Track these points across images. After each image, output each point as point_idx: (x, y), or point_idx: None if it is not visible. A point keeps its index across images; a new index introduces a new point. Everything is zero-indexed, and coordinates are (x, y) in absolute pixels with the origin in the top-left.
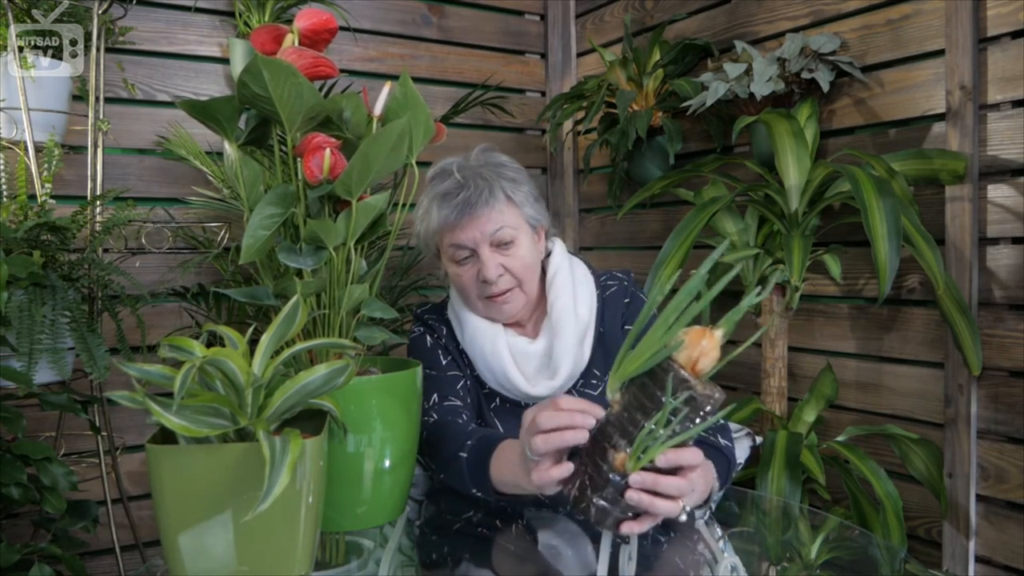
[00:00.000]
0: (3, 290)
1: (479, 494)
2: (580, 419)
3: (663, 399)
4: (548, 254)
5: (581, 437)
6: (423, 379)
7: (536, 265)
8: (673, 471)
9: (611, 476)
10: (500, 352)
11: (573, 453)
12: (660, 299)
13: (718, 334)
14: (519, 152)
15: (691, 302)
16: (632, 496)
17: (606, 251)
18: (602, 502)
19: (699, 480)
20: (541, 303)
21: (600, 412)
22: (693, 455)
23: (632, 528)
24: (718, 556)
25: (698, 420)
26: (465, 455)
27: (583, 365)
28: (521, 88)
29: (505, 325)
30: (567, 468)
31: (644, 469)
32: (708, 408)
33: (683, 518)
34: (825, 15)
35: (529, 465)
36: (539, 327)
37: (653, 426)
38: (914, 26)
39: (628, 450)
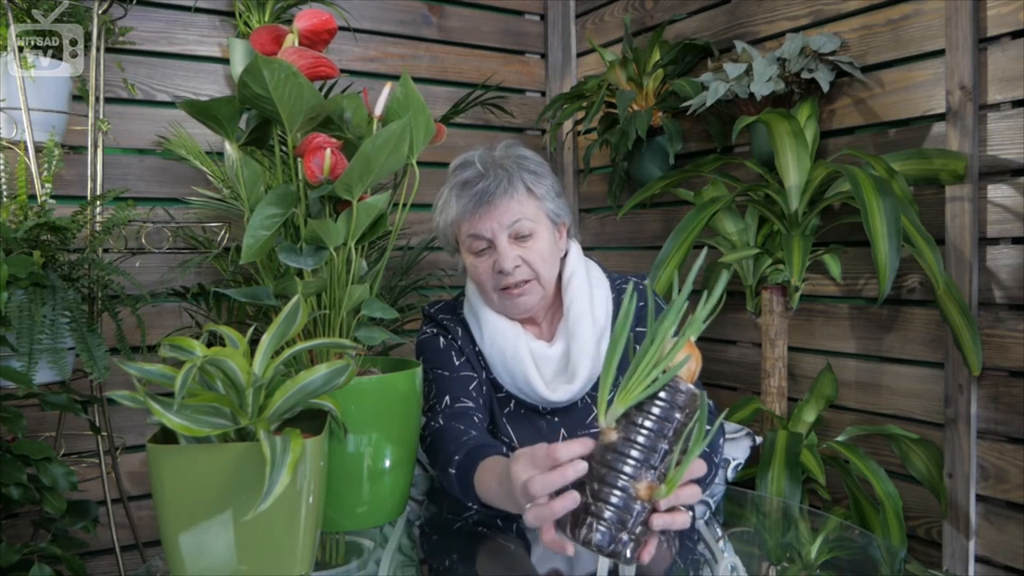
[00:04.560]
0: (3, 290)
1: (474, 507)
2: (572, 473)
3: (676, 416)
4: (564, 255)
5: (581, 470)
6: (434, 380)
7: (555, 260)
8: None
9: (636, 507)
10: (522, 356)
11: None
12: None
13: (693, 339)
14: None
15: (685, 317)
16: (659, 521)
17: (606, 251)
18: (626, 537)
19: None
20: (556, 303)
21: (590, 444)
22: (699, 467)
23: (651, 552)
24: (718, 556)
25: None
26: (454, 471)
27: (599, 369)
28: (521, 88)
29: (521, 323)
30: (572, 498)
31: None
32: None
33: (688, 524)
34: (825, 15)
35: (528, 518)
36: (554, 328)
37: (680, 448)
38: (914, 26)
39: (649, 477)
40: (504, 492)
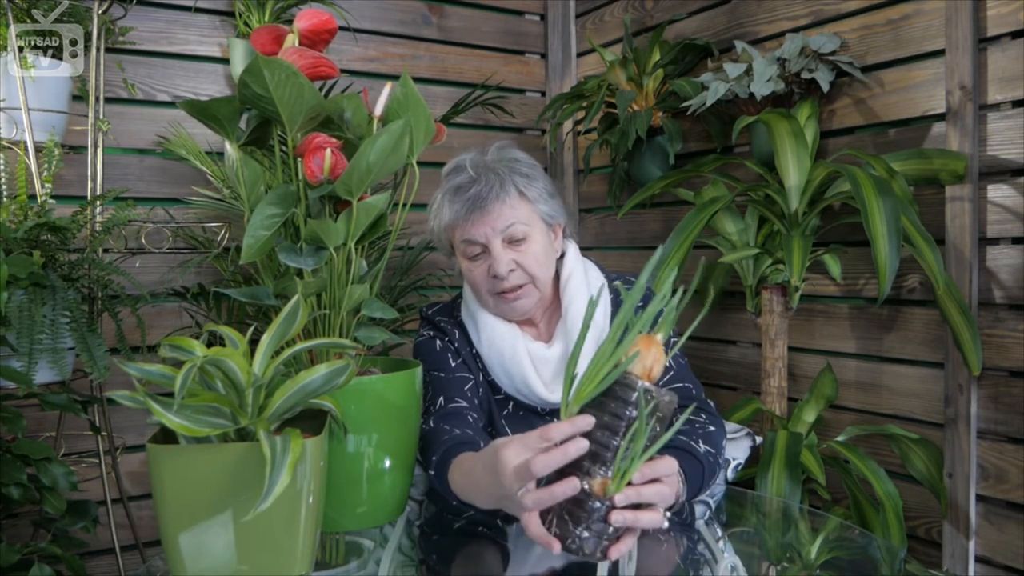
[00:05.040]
0: (3, 290)
1: (455, 503)
2: (574, 450)
3: (628, 413)
4: (562, 255)
5: (582, 447)
6: (430, 382)
7: (551, 262)
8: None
9: (592, 504)
10: (520, 358)
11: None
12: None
13: (659, 338)
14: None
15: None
16: (618, 517)
17: (606, 251)
18: (586, 533)
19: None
20: (554, 303)
21: (590, 421)
22: (668, 465)
23: (620, 550)
24: (718, 556)
25: (654, 425)
26: (432, 472)
27: None
28: (521, 88)
29: (519, 324)
30: (572, 484)
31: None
32: (667, 413)
33: (665, 525)
34: (825, 15)
35: (524, 501)
36: (552, 329)
37: (628, 444)
38: (914, 26)
39: (603, 472)
40: (474, 485)
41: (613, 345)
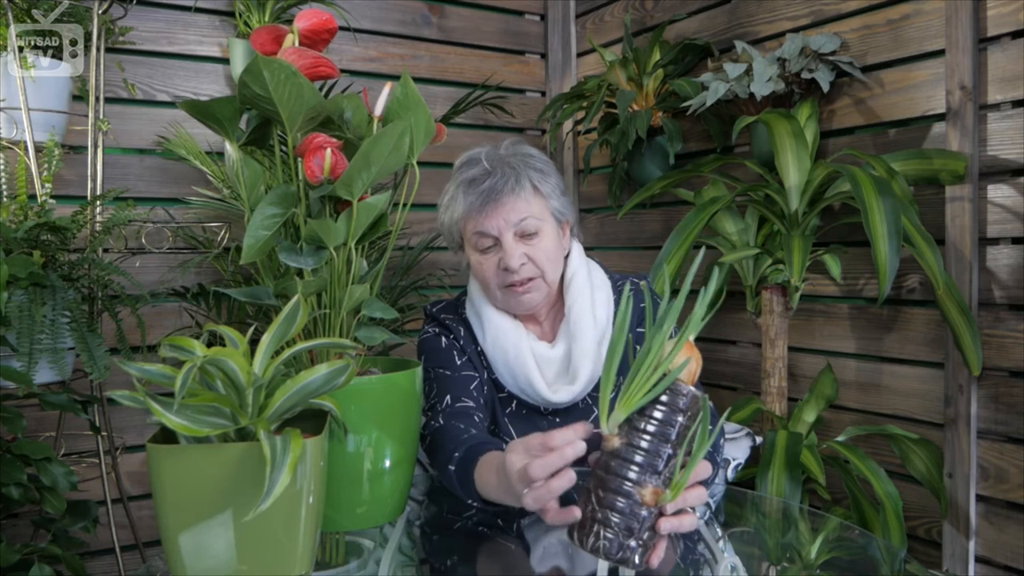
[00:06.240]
0: (3, 290)
1: (475, 504)
2: (571, 453)
3: (678, 420)
4: (567, 254)
5: (579, 449)
6: (435, 378)
7: (559, 259)
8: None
9: (642, 514)
10: (524, 357)
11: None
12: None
13: (691, 339)
14: None
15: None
16: (667, 525)
17: (606, 251)
18: (633, 543)
19: None
20: (558, 303)
21: (581, 430)
22: (705, 469)
23: (660, 556)
24: (718, 556)
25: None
26: (453, 468)
27: (600, 370)
28: (521, 88)
29: (523, 323)
30: (568, 477)
31: None
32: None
33: (695, 526)
34: (825, 15)
35: (527, 502)
36: (556, 328)
37: (683, 452)
38: (914, 26)
39: (654, 482)
40: (502, 484)
41: (657, 352)
